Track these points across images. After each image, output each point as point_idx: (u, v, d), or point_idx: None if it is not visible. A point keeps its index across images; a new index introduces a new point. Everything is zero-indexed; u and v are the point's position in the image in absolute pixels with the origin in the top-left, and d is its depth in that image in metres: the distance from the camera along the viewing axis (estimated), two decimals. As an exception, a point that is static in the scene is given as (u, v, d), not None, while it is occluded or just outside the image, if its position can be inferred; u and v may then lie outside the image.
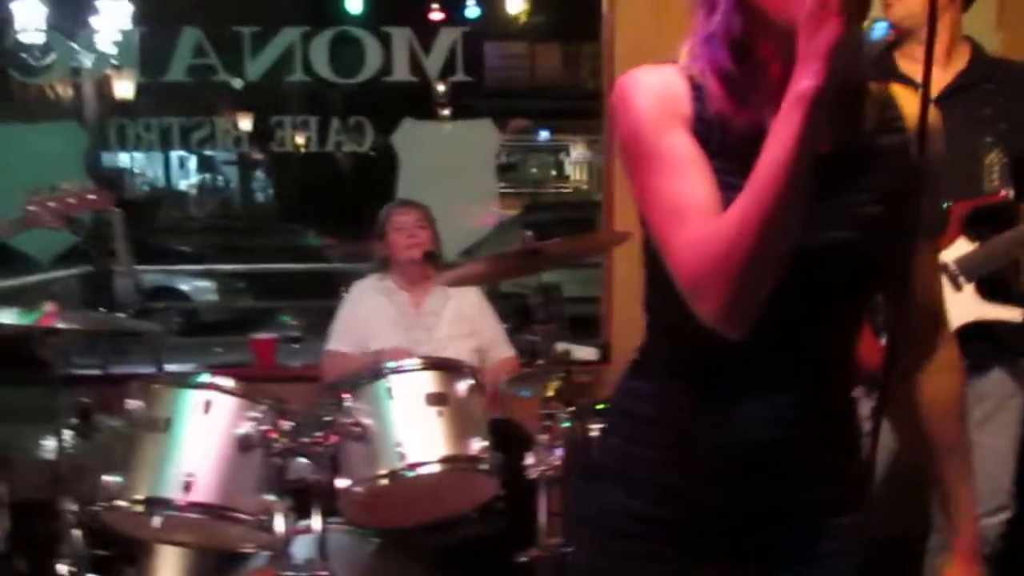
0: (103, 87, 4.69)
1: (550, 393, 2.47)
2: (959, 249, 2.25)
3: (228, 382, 2.19)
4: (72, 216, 2.60)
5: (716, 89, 1.10)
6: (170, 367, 3.57)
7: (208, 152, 15.28)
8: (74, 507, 2.39)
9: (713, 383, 1.17)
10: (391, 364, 2.30)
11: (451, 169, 4.26)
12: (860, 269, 1.13)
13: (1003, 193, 2.25)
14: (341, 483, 2.19)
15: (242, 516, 2.10)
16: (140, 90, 4.71)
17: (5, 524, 2.43)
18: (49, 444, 2.66)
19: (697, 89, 1.12)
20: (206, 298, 8.71)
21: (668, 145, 1.09)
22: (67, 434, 2.50)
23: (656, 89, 1.12)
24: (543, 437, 2.40)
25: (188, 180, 16.68)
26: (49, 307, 2.39)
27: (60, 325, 2.39)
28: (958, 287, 2.23)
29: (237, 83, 4.35)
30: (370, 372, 2.30)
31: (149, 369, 3.50)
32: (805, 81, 0.94)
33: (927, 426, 1.27)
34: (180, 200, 15.83)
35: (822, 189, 1.03)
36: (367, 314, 3.15)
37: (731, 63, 1.10)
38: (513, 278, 3.19)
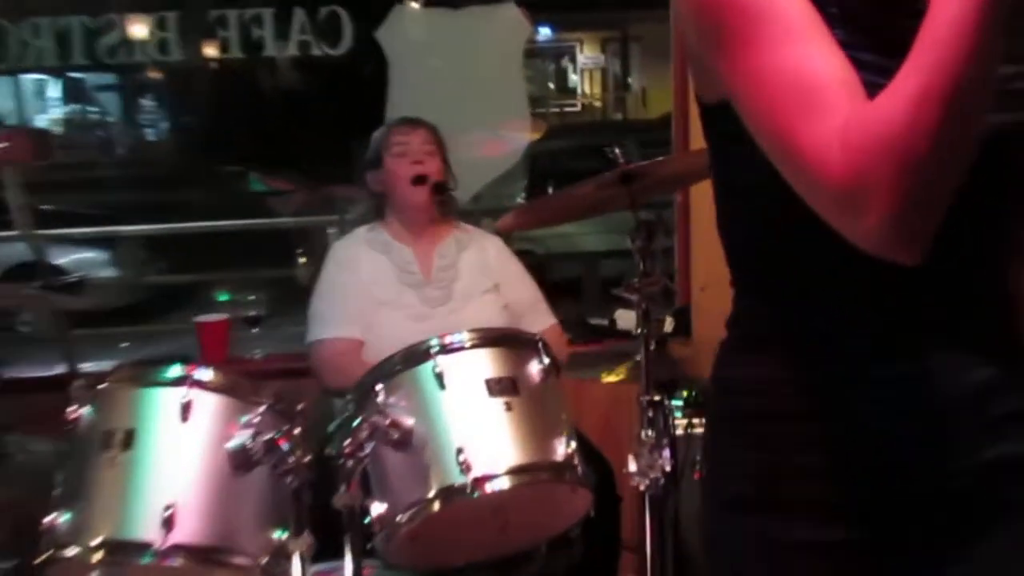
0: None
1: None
2: None
3: (210, 375, 2.20)
4: None
5: None
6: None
7: (78, 75, 15.16)
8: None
9: (861, 342, 1.18)
10: (434, 341, 2.29)
11: (462, 77, 4.22)
12: None
13: None
14: (377, 509, 2.20)
15: (242, 561, 2.10)
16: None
17: None
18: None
19: None
20: (96, 274, 8.64)
21: (779, 4, 1.06)
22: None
23: None
24: (647, 434, 2.41)
25: (47, 114, 16.60)
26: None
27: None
28: None
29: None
30: (408, 353, 2.29)
31: (56, 370, 3.49)
32: None
33: None
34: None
35: None
36: (364, 280, 3.12)
37: None
38: (591, 216, 3.15)
